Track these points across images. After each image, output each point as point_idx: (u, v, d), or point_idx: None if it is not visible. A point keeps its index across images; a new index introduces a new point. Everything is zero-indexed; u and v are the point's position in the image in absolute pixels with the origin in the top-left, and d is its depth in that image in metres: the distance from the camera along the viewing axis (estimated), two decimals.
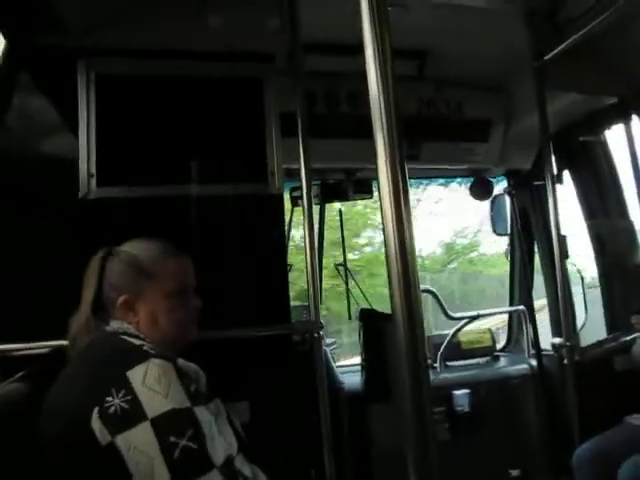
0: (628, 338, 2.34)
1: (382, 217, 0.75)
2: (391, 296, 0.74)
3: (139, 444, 1.01)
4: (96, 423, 1.02)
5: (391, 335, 0.77)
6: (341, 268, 2.92)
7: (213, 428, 1.10)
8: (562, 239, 2.08)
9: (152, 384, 1.05)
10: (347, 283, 2.89)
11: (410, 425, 0.72)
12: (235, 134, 1.88)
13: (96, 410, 1.02)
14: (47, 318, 1.57)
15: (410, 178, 2.66)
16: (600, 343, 2.49)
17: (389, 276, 0.74)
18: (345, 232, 3.02)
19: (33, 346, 1.58)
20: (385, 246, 0.74)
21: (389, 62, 0.77)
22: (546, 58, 2.05)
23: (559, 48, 1.99)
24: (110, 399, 1.02)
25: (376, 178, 0.76)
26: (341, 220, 2.97)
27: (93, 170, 1.76)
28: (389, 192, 0.74)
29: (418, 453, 0.72)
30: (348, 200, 2.78)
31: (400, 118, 0.76)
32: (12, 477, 1.04)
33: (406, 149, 2.42)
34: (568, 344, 2.08)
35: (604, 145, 2.72)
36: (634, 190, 2.47)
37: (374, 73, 0.76)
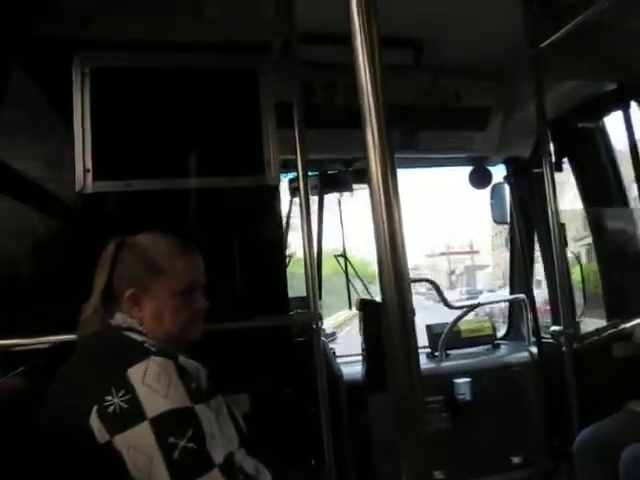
0: (627, 325, 2.34)
1: (372, 207, 0.75)
2: (381, 285, 0.74)
3: (138, 444, 1.01)
4: (95, 422, 1.01)
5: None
6: (341, 259, 2.92)
7: (214, 426, 1.09)
8: (561, 227, 2.08)
9: (152, 383, 1.04)
10: (347, 273, 2.90)
11: (400, 413, 0.72)
12: (231, 126, 1.88)
13: (95, 409, 1.02)
14: (47, 314, 1.59)
15: (410, 167, 2.65)
16: (599, 331, 2.49)
17: (379, 265, 0.74)
18: None
19: (33, 342, 1.59)
20: (375, 236, 0.74)
21: (377, 51, 0.76)
22: (543, 45, 2.03)
23: (557, 35, 1.98)
24: (109, 398, 1.02)
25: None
26: (340, 211, 2.97)
27: (89, 165, 1.76)
28: (378, 182, 0.74)
29: (409, 441, 0.72)
30: (347, 190, 2.78)
31: (388, 108, 0.76)
32: (11, 472, 1.05)
33: (405, 138, 2.41)
34: (567, 332, 2.09)
35: (603, 132, 2.70)
36: (632, 176, 2.46)
37: (362, 63, 0.76)
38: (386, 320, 0.74)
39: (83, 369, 1.13)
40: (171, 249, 1.26)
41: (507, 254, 3.24)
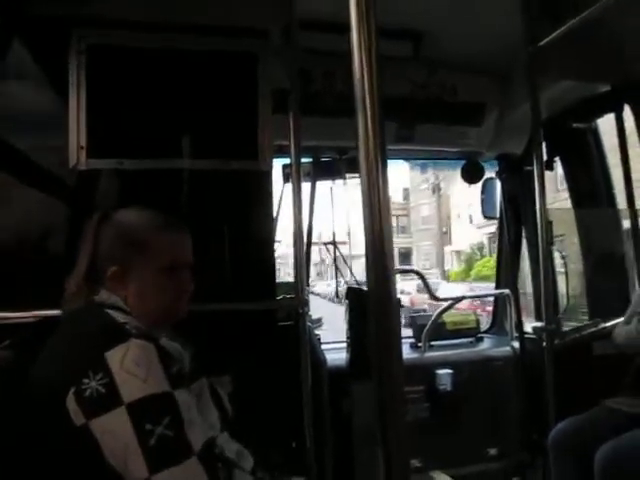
0: (607, 324, 2.39)
1: (362, 195, 0.76)
2: (367, 274, 0.76)
3: (114, 430, 0.98)
4: (71, 404, 0.99)
5: None
6: (330, 246, 2.93)
7: (194, 412, 1.06)
8: (547, 225, 2.10)
9: (130, 367, 1.00)
10: (335, 260, 2.92)
11: (381, 401, 0.74)
12: (227, 109, 1.88)
13: (72, 390, 0.99)
14: (34, 288, 1.59)
15: (404, 159, 2.67)
16: (580, 328, 2.53)
17: (366, 254, 0.76)
18: None
19: (20, 315, 1.59)
20: (364, 224, 0.76)
21: (374, 42, 0.77)
22: (541, 44, 2.05)
23: (554, 34, 1.99)
24: (87, 381, 0.99)
25: None
26: (332, 199, 2.98)
27: (83, 142, 1.75)
28: (368, 171, 0.75)
29: (388, 429, 0.74)
30: (340, 178, 2.78)
31: (383, 99, 0.77)
32: None
33: (402, 131, 2.42)
34: (548, 328, 2.13)
35: (595, 133, 2.73)
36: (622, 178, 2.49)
37: (359, 52, 0.77)
38: (371, 308, 0.76)
39: (63, 348, 1.10)
40: (154, 224, 1.21)
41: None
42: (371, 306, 0.76)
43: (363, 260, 0.77)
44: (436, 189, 29.92)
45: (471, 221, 26.21)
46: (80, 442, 0.99)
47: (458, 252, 29.02)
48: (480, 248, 26.08)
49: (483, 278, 18.71)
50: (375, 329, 0.75)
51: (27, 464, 1.04)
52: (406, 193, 33.11)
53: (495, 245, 2.77)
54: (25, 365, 1.12)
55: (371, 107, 0.75)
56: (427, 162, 3.04)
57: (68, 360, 1.06)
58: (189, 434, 1.00)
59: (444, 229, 30.90)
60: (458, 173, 2.88)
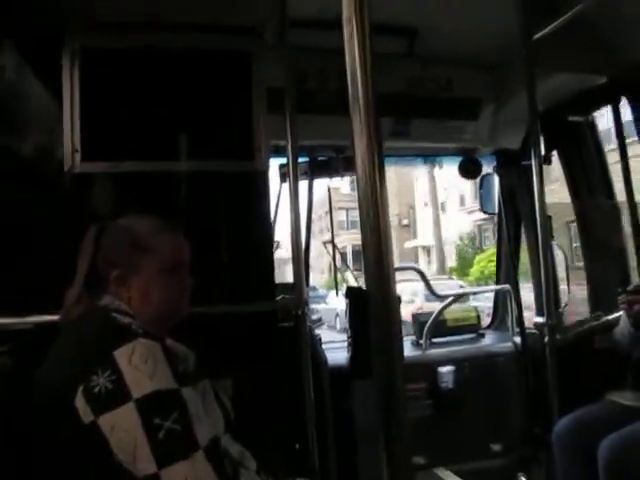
0: (609, 317, 2.38)
1: (358, 194, 0.75)
2: (366, 273, 0.75)
3: (123, 424, 1.00)
4: (80, 401, 1.01)
5: None
6: (329, 245, 2.92)
7: (200, 409, 1.09)
8: (547, 220, 2.10)
9: (138, 364, 1.03)
10: (334, 259, 2.90)
11: (382, 400, 0.73)
12: (222, 109, 1.87)
13: (81, 388, 1.01)
14: (33, 293, 1.58)
15: (401, 156, 2.65)
16: (581, 322, 2.53)
17: (364, 253, 0.75)
18: None
19: (18, 321, 1.58)
20: (360, 222, 0.75)
21: (368, 38, 0.76)
22: (536, 37, 2.04)
23: (549, 27, 1.98)
24: (95, 378, 1.01)
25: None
26: (329, 197, 2.97)
27: (78, 145, 1.74)
28: (365, 170, 0.74)
29: (389, 428, 0.74)
30: (337, 177, 2.77)
31: (378, 96, 0.76)
32: None
33: (398, 126, 2.41)
34: (550, 322, 2.12)
35: (592, 125, 2.72)
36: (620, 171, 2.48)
37: (353, 49, 0.76)
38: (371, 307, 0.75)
39: (70, 349, 1.13)
40: (155, 227, 1.26)
41: None
42: (371, 305, 0.75)
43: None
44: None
45: (463, 204, 23.10)
46: (88, 440, 1.01)
47: (425, 248, 25.29)
48: (472, 239, 22.39)
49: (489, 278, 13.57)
50: (375, 328, 0.74)
51: (35, 466, 1.06)
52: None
53: (486, 235, 2.75)
54: (24, 371, 1.12)
55: (365, 104, 0.74)
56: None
57: (75, 361, 1.08)
58: (196, 429, 1.03)
59: (405, 221, 27.10)
60: None
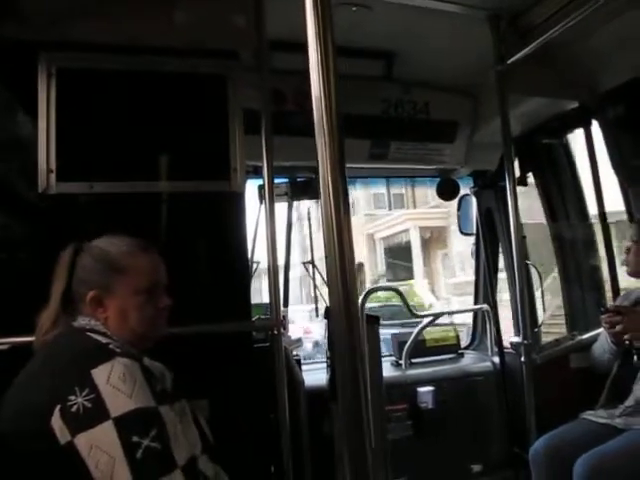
0: (585, 337, 2.41)
1: (322, 216, 0.76)
2: (330, 293, 0.76)
3: (101, 443, 0.99)
4: (57, 422, 1.00)
5: None
6: (309, 265, 2.93)
7: (177, 428, 1.09)
8: (522, 240, 2.13)
9: (116, 383, 1.03)
10: (314, 280, 2.91)
11: (345, 425, 0.73)
12: (198, 131, 1.87)
13: (58, 408, 1.00)
14: (6, 315, 1.56)
15: (380, 177, 2.67)
16: (558, 342, 2.55)
17: (328, 274, 0.76)
18: None
19: None
20: (324, 245, 0.76)
21: (332, 61, 0.77)
22: (509, 62, 2.09)
23: (521, 52, 2.04)
24: (73, 398, 1.01)
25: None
26: (309, 218, 2.98)
27: (53, 165, 1.73)
28: (328, 192, 0.75)
29: (352, 453, 0.73)
30: (316, 198, 2.79)
31: (342, 119, 0.77)
32: None
33: (376, 149, 2.44)
34: (526, 342, 2.14)
35: (566, 148, 2.78)
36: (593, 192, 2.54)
37: (316, 72, 0.77)
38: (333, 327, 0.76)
39: (45, 370, 1.11)
40: (131, 248, 1.26)
41: None
42: (335, 325, 0.75)
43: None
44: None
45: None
46: (64, 462, 1.00)
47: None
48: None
49: None
50: (337, 347, 0.74)
51: None
52: None
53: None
54: None
55: (329, 127, 0.76)
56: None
57: (52, 380, 1.07)
58: (174, 448, 1.03)
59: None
60: None
